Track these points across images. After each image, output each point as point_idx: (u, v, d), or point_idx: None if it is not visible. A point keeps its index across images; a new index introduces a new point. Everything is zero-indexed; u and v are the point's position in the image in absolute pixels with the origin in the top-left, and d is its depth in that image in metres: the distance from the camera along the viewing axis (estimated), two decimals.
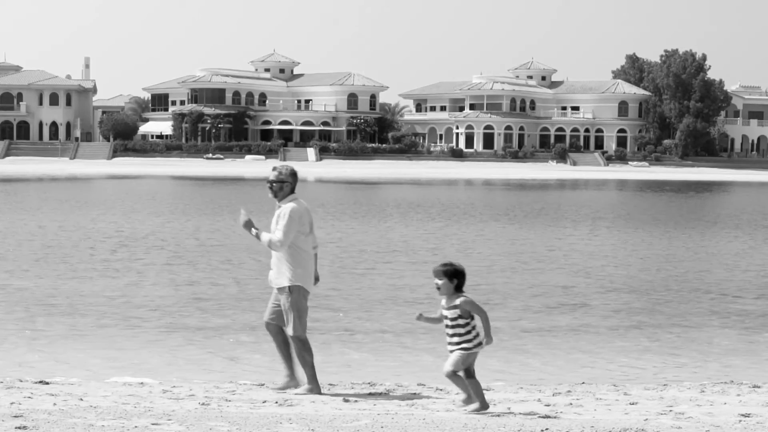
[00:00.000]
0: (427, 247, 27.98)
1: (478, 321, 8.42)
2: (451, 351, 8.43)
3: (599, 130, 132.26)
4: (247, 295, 18.26)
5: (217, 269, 21.98)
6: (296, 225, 9.24)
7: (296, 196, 9.43)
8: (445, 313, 8.41)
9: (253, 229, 9.27)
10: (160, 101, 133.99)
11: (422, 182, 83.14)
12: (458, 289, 8.38)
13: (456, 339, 8.38)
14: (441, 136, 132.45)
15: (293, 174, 9.40)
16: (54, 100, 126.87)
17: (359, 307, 16.94)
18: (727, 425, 7.90)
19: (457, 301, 8.34)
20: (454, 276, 8.35)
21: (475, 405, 8.48)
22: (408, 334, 14.67)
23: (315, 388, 9.44)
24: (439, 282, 8.35)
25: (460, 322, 8.36)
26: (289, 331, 9.37)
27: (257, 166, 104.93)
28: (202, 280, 20.15)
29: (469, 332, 8.36)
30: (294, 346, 9.44)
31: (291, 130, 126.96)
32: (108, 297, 17.57)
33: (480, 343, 8.39)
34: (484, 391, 8.70)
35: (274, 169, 9.40)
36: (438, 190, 69.53)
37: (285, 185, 9.37)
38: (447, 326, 8.43)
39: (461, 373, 8.44)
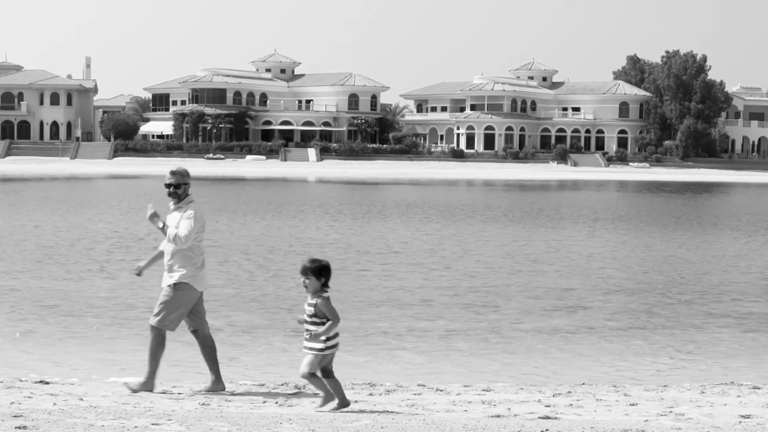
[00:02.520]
0: (427, 248, 27.97)
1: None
2: (306, 347, 8.39)
3: (600, 131, 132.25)
4: (245, 295, 18.25)
5: (215, 270, 21.97)
6: (198, 226, 9.34)
7: (193, 197, 9.47)
8: (306, 308, 8.39)
9: (159, 221, 9.29)
10: (161, 101, 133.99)
11: (423, 183, 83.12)
12: (325, 286, 8.35)
13: (309, 336, 8.34)
14: (442, 136, 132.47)
15: (189, 175, 9.50)
16: (55, 99, 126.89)
17: (359, 308, 16.93)
18: (727, 426, 7.89)
19: (316, 300, 8.32)
20: (321, 273, 8.33)
21: (334, 403, 8.45)
22: (408, 334, 14.67)
23: (150, 384, 9.40)
24: (306, 279, 8.32)
25: (315, 320, 8.33)
26: (155, 321, 9.30)
27: (258, 167, 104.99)
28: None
29: (329, 331, 8.31)
30: (151, 338, 9.37)
31: (292, 131, 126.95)
32: (107, 297, 17.56)
33: (333, 346, 8.36)
34: (485, 392, 8.69)
35: (174, 173, 9.36)
36: (438, 190, 69.52)
37: (186, 187, 9.42)
38: (306, 322, 8.39)
39: (318, 373, 8.39)
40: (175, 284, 9.29)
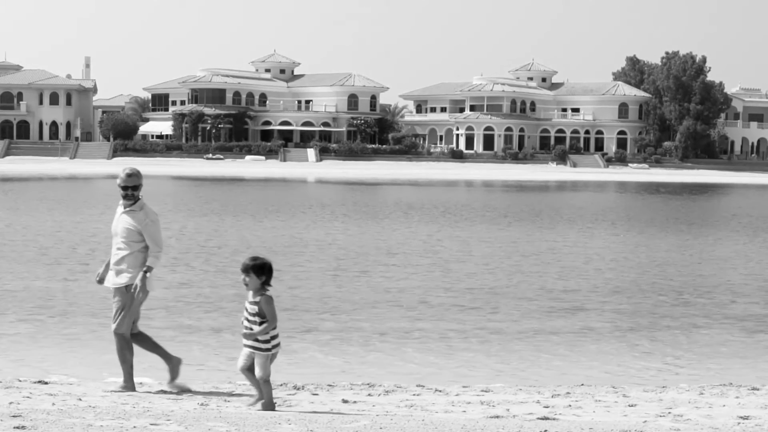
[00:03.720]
0: (426, 249, 27.96)
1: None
2: (245, 345, 8.36)
3: (599, 132, 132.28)
4: (244, 296, 18.24)
5: (214, 270, 21.97)
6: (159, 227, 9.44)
7: (143, 199, 9.49)
8: (248, 306, 8.37)
9: (147, 275, 9.28)
10: (160, 101, 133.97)
11: (422, 183, 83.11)
12: (266, 284, 8.34)
13: (247, 333, 8.32)
14: (441, 137, 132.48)
15: (142, 176, 9.51)
16: (54, 99, 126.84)
17: (358, 308, 16.93)
18: (725, 427, 7.89)
19: (258, 298, 8.31)
20: (262, 271, 8.30)
21: (257, 401, 8.45)
22: (407, 335, 14.67)
23: (130, 386, 9.41)
24: (247, 278, 8.31)
25: (257, 319, 8.31)
26: (116, 327, 9.31)
27: (257, 167, 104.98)
28: (200, 281, 20.14)
29: (264, 332, 8.29)
30: (116, 343, 9.39)
31: (291, 131, 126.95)
32: (105, 297, 17.53)
33: (277, 345, 8.35)
34: (484, 392, 8.69)
35: (131, 175, 9.34)
36: (437, 191, 69.50)
37: (140, 188, 9.43)
38: (246, 319, 8.37)
39: (246, 369, 8.37)
40: (128, 286, 9.30)
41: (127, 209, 9.37)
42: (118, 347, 9.40)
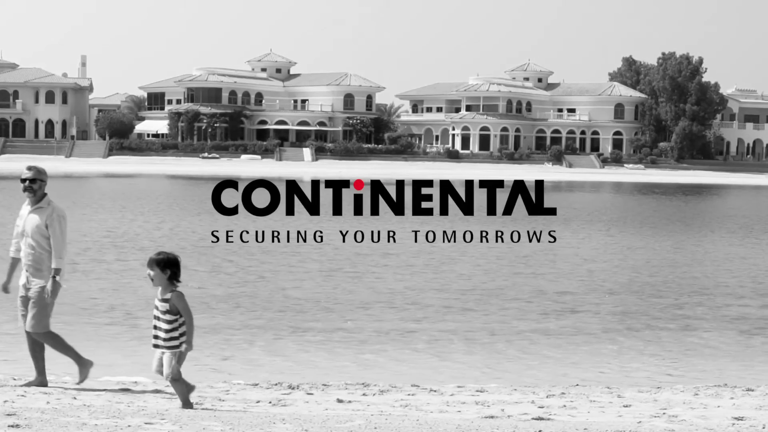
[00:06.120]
0: (422, 249, 27.96)
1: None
2: (154, 345, 8.23)
3: (595, 133, 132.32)
4: (239, 295, 18.24)
5: (209, 270, 21.96)
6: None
7: (50, 198, 9.45)
8: (157, 304, 8.21)
9: (56, 278, 9.26)
10: (156, 100, 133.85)
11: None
12: (173, 279, 8.17)
13: (161, 334, 8.18)
14: (437, 137, 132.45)
15: (46, 174, 9.47)
16: (50, 98, 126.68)
17: (354, 309, 16.93)
18: (720, 428, 7.90)
19: (168, 295, 8.15)
20: (167, 266, 8.12)
21: (180, 403, 8.41)
22: (402, 335, 14.67)
23: (84, 371, 9.46)
24: (152, 272, 8.12)
25: (168, 317, 8.15)
26: (35, 327, 9.30)
27: (253, 166, 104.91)
28: (195, 280, 20.12)
29: (175, 329, 8.16)
30: (47, 342, 9.39)
31: (287, 130, 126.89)
32: (100, 296, 17.54)
33: (188, 342, 8.26)
34: (479, 392, 8.69)
35: (31, 168, 9.32)
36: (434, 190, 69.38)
37: (43, 185, 9.39)
38: (156, 317, 8.22)
39: (157, 370, 8.29)
40: (44, 286, 9.27)
41: (35, 207, 9.33)
42: (52, 345, 9.40)
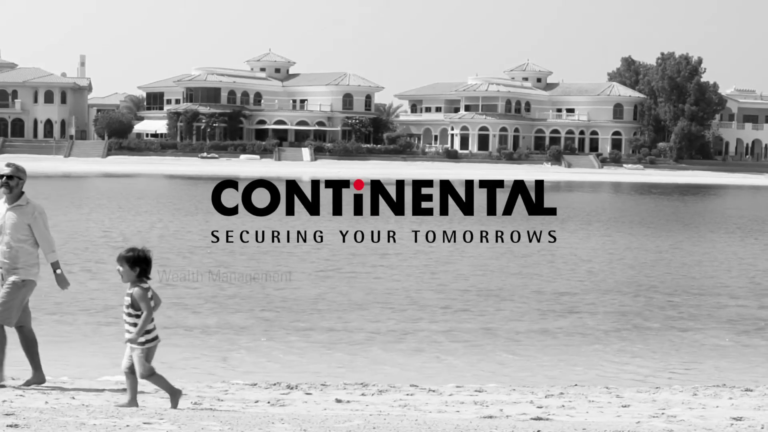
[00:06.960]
0: (422, 249, 27.96)
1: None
2: (126, 341, 8.26)
3: (594, 133, 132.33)
4: (238, 295, 18.24)
5: (207, 270, 21.95)
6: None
7: (28, 196, 9.47)
8: (125, 299, 8.28)
9: (58, 271, 9.41)
10: (155, 100, 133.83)
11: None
12: (142, 275, 8.20)
13: (127, 327, 8.24)
14: (436, 137, 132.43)
15: (25, 172, 9.51)
16: (49, 97, 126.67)
17: (352, 309, 16.93)
18: (719, 428, 7.90)
19: (132, 290, 8.21)
20: (136, 263, 8.16)
21: (126, 400, 8.39)
22: (400, 335, 14.67)
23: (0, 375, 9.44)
24: (121, 269, 8.18)
25: (130, 311, 8.21)
26: (2, 320, 9.30)
27: (252, 166, 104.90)
28: (193, 281, 20.12)
29: (134, 324, 8.19)
30: None
31: (286, 130, 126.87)
32: (98, 296, 17.54)
33: (155, 338, 8.27)
34: (478, 392, 8.69)
35: (9, 165, 9.40)
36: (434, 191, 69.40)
37: (20, 182, 9.42)
38: (124, 313, 8.29)
39: (128, 369, 8.26)
40: (23, 280, 9.32)
41: (14, 205, 9.36)
42: None
